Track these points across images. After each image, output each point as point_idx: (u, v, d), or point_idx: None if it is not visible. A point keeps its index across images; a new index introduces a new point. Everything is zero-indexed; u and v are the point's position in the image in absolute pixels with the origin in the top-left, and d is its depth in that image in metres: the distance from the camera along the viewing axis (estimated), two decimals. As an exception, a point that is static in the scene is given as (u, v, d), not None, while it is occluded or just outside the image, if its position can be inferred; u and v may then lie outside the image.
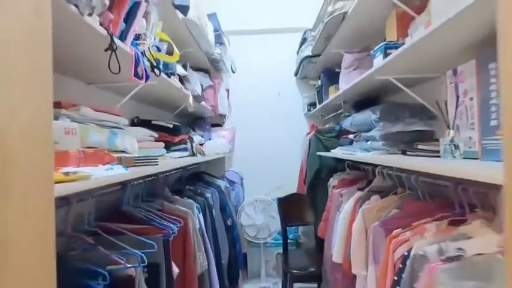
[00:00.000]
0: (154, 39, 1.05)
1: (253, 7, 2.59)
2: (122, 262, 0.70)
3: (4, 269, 0.30)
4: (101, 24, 0.69)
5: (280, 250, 2.22)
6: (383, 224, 0.92)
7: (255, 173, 2.57)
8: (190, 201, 1.35)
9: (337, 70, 1.86)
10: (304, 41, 2.20)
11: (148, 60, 0.97)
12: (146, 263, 0.79)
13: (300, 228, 2.44)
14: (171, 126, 1.52)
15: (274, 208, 2.26)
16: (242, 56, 2.57)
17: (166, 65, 1.17)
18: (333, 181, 1.69)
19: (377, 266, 0.92)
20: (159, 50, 1.08)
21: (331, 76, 1.96)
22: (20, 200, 0.33)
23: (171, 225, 1.01)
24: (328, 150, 1.75)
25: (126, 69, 0.84)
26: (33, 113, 0.36)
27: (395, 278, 0.74)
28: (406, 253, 0.72)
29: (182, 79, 1.55)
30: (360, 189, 1.30)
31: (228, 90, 2.55)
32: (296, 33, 2.37)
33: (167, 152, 1.42)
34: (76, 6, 0.58)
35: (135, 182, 1.07)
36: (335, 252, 1.27)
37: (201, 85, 1.99)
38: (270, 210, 2.28)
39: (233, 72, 2.40)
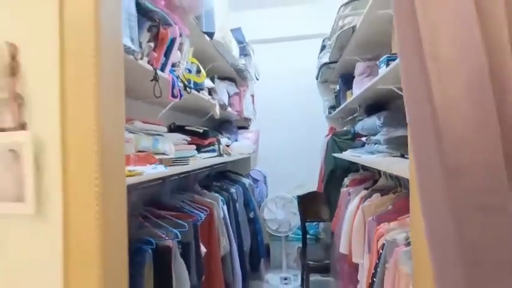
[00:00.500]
0: (186, 63, 1.30)
1: (275, 17, 2.77)
2: (163, 236, 0.95)
3: (104, 228, 0.55)
4: (148, 62, 0.94)
5: (301, 244, 2.39)
6: (376, 219, 1.06)
7: (278, 172, 2.77)
8: (216, 194, 1.59)
9: (353, 75, 1.97)
10: (323, 48, 2.34)
11: (182, 81, 1.22)
12: (180, 240, 1.04)
13: (321, 224, 2.58)
14: (201, 131, 1.78)
15: (294, 205, 2.44)
16: (266, 63, 2.77)
17: (196, 82, 1.42)
18: (347, 181, 1.82)
19: (370, 254, 1.07)
20: (190, 71, 1.33)
21: (348, 81, 2.07)
22: (109, 185, 0.58)
23: (200, 213, 1.25)
24: (342, 152, 1.88)
25: (166, 90, 1.09)
26: (114, 127, 0.61)
27: (377, 261, 0.89)
28: (384, 241, 0.87)
29: (210, 91, 1.80)
30: (366, 188, 1.43)
31: (253, 96, 2.77)
32: (316, 39, 2.51)
33: (198, 153, 1.68)
34: (133, 55, 0.84)
35: (173, 178, 1.34)
36: (341, 244, 1.41)
37: (228, 93, 2.24)
38: (291, 206, 2.46)
39: (257, 79, 2.62)
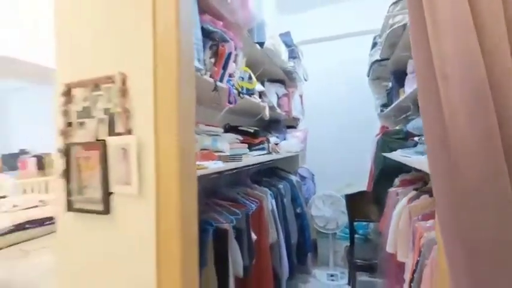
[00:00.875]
0: (240, 72, 1.48)
1: (323, 17, 2.80)
2: (221, 220, 1.14)
3: (182, 205, 0.75)
4: (210, 76, 1.14)
5: (349, 243, 2.39)
6: (421, 218, 1.07)
7: (326, 170, 2.80)
8: (265, 189, 1.75)
9: (406, 73, 1.90)
10: (374, 45, 2.29)
11: (236, 89, 1.40)
12: (235, 225, 1.22)
13: (370, 225, 2.53)
14: (252, 131, 1.96)
15: (342, 203, 2.45)
16: (315, 62, 2.82)
17: (248, 88, 1.59)
18: (397, 181, 1.79)
19: (413, 253, 1.09)
20: (243, 79, 1.51)
21: (401, 78, 2.00)
22: (186, 175, 0.77)
23: (251, 204, 1.43)
24: (393, 151, 1.84)
25: (223, 98, 1.29)
26: (188, 131, 0.81)
27: (418, 258, 0.93)
28: (425, 239, 0.90)
29: (261, 94, 1.96)
30: (415, 189, 1.41)
31: (301, 96, 2.85)
32: (364, 36, 2.47)
33: (249, 151, 1.86)
34: (199, 72, 1.04)
35: (228, 172, 1.54)
36: (388, 244, 1.43)
37: (277, 94, 2.37)
38: (339, 205, 2.48)
39: (305, 80, 2.69)
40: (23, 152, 4.71)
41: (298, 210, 2.18)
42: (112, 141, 0.83)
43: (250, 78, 1.55)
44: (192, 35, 0.85)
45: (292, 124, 2.87)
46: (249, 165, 1.76)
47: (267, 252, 1.51)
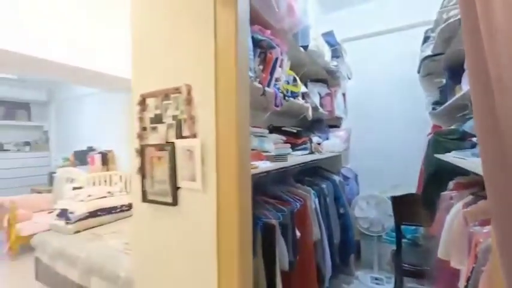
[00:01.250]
0: (285, 75, 1.54)
1: (368, 12, 2.70)
2: (269, 216, 1.23)
3: (239, 199, 0.85)
4: (259, 82, 1.23)
5: (395, 247, 2.31)
6: (479, 224, 1.03)
7: (371, 171, 2.73)
8: (308, 188, 1.79)
9: (463, 68, 1.77)
10: (426, 39, 2.16)
11: (282, 92, 1.47)
12: (281, 221, 1.30)
13: (420, 229, 2.40)
14: (295, 131, 2.01)
15: (388, 205, 2.37)
16: (359, 60, 2.75)
17: (292, 91, 1.65)
18: (451, 184, 1.68)
19: (469, 259, 1.04)
20: (288, 82, 1.57)
21: (457, 74, 1.86)
22: (242, 173, 0.87)
23: (296, 202, 1.49)
24: (448, 152, 1.73)
25: (271, 101, 1.37)
26: (244, 134, 0.90)
27: (474, 265, 0.90)
28: (481, 245, 0.87)
29: (304, 95, 2.00)
30: (472, 193, 1.33)
31: (344, 95, 2.80)
32: (412, 30, 2.33)
33: (292, 151, 1.92)
34: (250, 79, 1.13)
35: (274, 171, 1.62)
36: (440, 249, 1.37)
37: (319, 94, 2.38)
38: (385, 207, 2.40)
39: (349, 79, 2.64)
40: (90, 149, 5.42)
41: (341, 211, 2.17)
42: (179, 144, 0.97)
43: (295, 80, 1.61)
44: (247, 49, 0.94)
45: (334, 123, 2.84)
46: (294, 165, 1.82)
47: (311, 249, 1.56)
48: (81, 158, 5.27)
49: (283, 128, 2.01)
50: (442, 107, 2.11)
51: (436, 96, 2.27)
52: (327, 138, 2.66)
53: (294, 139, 2.00)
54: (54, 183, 3.58)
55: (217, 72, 0.88)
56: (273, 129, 1.97)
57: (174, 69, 1.00)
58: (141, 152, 1.08)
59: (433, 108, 2.36)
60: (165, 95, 1.01)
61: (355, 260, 2.55)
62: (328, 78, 2.56)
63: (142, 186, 1.07)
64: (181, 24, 0.97)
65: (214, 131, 0.89)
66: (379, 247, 2.51)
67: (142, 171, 1.07)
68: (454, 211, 1.34)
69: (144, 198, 1.07)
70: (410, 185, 2.35)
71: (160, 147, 1.02)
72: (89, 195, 2.68)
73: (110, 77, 3.93)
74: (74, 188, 2.93)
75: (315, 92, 2.27)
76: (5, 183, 5.51)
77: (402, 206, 2.24)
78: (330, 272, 1.69)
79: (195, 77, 0.94)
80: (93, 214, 2.61)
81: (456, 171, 1.77)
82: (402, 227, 2.28)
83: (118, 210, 2.83)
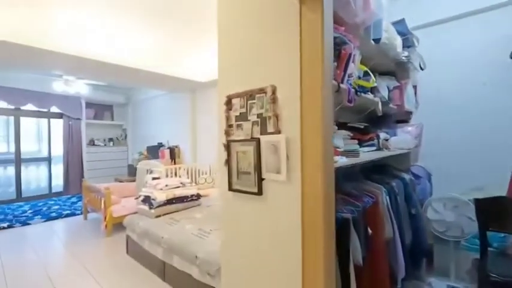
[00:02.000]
0: (357, 71, 1.53)
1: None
2: (344, 210, 1.26)
3: (325, 191, 0.90)
4: (334, 79, 1.25)
5: (477, 255, 2.07)
6: None
7: (447, 170, 2.48)
8: (379, 185, 1.74)
9: None
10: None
11: (354, 88, 1.46)
12: (354, 216, 1.31)
13: (510, 237, 2.11)
14: (362, 127, 1.96)
15: (470, 209, 2.13)
16: (433, 48, 2.51)
17: (363, 86, 1.62)
18: (559, 187, 1.44)
19: None
20: (359, 77, 1.55)
21: None
22: (326, 166, 0.92)
23: (368, 198, 1.48)
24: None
25: (344, 98, 1.38)
26: (328, 130, 0.95)
27: None
28: None
29: (373, 89, 1.93)
30: None
31: (415, 87, 2.59)
32: (497, 10, 2.02)
33: (360, 147, 1.88)
34: (328, 77, 1.17)
35: (343, 167, 1.62)
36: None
37: (388, 88, 2.26)
38: (465, 210, 2.17)
39: (422, 69, 2.44)
40: (160, 144, 6.10)
41: (413, 212, 2.05)
42: (264, 139, 1.07)
43: (366, 75, 1.58)
44: (332, 48, 0.98)
45: (402, 118, 2.66)
46: (365, 161, 1.79)
47: (383, 246, 1.53)
48: (153, 152, 5.97)
49: (349, 124, 1.99)
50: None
51: (537, 84, 1.94)
52: (395, 134, 2.51)
53: (361, 135, 1.96)
54: (137, 174, 4.16)
55: (303, 72, 0.94)
56: (339, 126, 1.96)
57: (259, 72, 1.09)
58: (227, 146, 1.21)
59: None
60: (250, 95, 1.12)
61: (426, 264, 2.37)
62: (397, 71, 2.40)
63: (229, 176, 1.21)
64: (267, 29, 1.06)
65: (298, 127, 0.96)
66: (457, 253, 2.28)
67: (228, 163, 1.21)
68: None
69: (230, 188, 1.21)
70: (497, 187, 2.08)
71: (245, 142, 1.14)
72: (166, 185, 3.06)
73: (176, 79, 4.38)
74: (153, 178, 3.36)
75: (384, 85, 2.16)
76: (95, 173, 6.59)
77: (489, 210, 2.00)
78: (403, 273, 1.63)
79: (279, 78, 1.02)
80: (170, 201, 2.97)
81: None
82: (488, 233, 2.03)
83: (189, 199, 3.16)
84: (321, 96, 0.90)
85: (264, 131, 1.07)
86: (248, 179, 1.13)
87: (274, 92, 1.03)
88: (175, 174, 4.35)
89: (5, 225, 3.90)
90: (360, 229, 1.39)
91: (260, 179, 1.08)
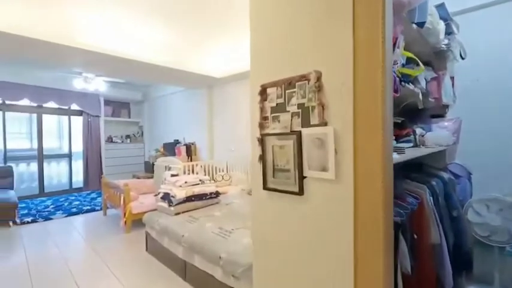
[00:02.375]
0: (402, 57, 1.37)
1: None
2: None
3: (384, 192, 0.77)
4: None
5: (528, 263, 1.88)
6: None
7: (491, 168, 2.27)
8: (421, 184, 1.58)
9: None
10: None
11: (397, 76, 1.31)
12: (402, 220, 1.17)
13: None
14: (400, 121, 1.80)
15: (519, 212, 1.93)
16: (473, 36, 2.29)
17: (407, 75, 1.46)
18: None
19: None
20: (403, 65, 1.39)
21: None
22: (387, 166, 0.79)
23: (412, 199, 1.33)
24: None
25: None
26: (388, 123, 0.82)
27: None
28: None
29: (413, 80, 1.76)
30: None
31: (453, 78, 2.38)
32: None
33: (397, 143, 1.72)
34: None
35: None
36: None
37: (425, 79, 2.08)
38: (511, 213, 1.97)
39: (462, 58, 2.23)
40: (176, 141, 6.08)
41: (454, 214, 1.87)
42: (306, 132, 0.95)
43: (411, 63, 1.42)
44: (391, 30, 0.84)
45: (438, 113, 2.45)
46: (411, 159, 1.63)
47: (430, 253, 1.38)
48: (169, 149, 5.97)
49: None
50: None
51: None
52: (430, 130, 2.32)
53: (398, 130, 1.80)
54: (154, 170, 4.14)
55: (356, 54, 0.81)
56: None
57: (299, 56, 0.97)
58: (262, 141, 1.10)
59: None
60: (289, 83, 1.00)
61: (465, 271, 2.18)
62: (434, 60, 2.20)
63: (263, 174, 1.10)
64: (308, 2, 0.93)
65: (351, 118, 0.83)
66: (502, 260, 2.08)
67: (263, 159, 1.10)
68: None
69: (265, 186, 1.10)
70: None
71: (283, 136, 1.02)
72: (186, 182, 2.99)
73: (194, 75, 4.32)
74: (172, 175, 3.31)
75: (422, 77, 1.98)
76: (113, 169, 6.68)
77: (543, 213, 1.79)
78: (451, 282, 1.47)
79: (325, 62, 0.89)
80: (189, 199, 2.91)
81: None
82: (542, 239, 1.83)
83: (208, 197, 3.08)
84: (381, 82, 0.77)
85: (305, 123, 0.95)
86: (286, 176, 1.01)
87: (319, 79, 0.91)
88: (192, 171, 4.31)
89: (29, 219, 3.98)
90: (406, 234, 1.25)
91: (301, 177, 0.97)
